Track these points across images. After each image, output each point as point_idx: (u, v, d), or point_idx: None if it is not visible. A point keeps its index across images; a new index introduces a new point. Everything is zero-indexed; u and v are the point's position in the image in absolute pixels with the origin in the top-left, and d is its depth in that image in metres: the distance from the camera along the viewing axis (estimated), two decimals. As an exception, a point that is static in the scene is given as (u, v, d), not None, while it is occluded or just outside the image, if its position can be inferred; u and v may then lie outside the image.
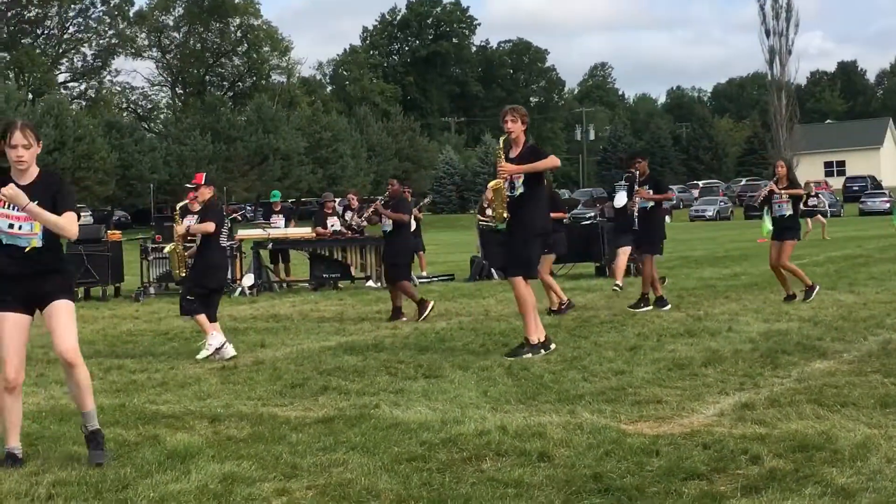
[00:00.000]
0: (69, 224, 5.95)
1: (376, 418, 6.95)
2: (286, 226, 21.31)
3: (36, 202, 5.80)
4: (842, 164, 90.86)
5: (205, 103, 78.58)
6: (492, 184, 10.17)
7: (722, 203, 70.91)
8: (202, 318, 10.64)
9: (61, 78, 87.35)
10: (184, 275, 11.67)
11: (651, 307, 13.48)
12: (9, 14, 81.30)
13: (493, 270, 20.63)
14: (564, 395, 7.63)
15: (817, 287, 14.10)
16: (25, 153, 5.89)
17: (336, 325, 13.19)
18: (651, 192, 13.94)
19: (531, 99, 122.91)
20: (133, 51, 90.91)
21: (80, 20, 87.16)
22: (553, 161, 10.03)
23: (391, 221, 13.91)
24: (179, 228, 11.82)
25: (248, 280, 18.76)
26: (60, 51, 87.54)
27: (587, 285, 17.91)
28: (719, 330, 11.05)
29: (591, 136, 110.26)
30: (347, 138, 77.00)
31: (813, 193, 32.62)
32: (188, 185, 11.73)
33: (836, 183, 79.62)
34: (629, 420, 6.75)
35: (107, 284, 18.82)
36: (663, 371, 8.54)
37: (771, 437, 6.03)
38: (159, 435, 6.59)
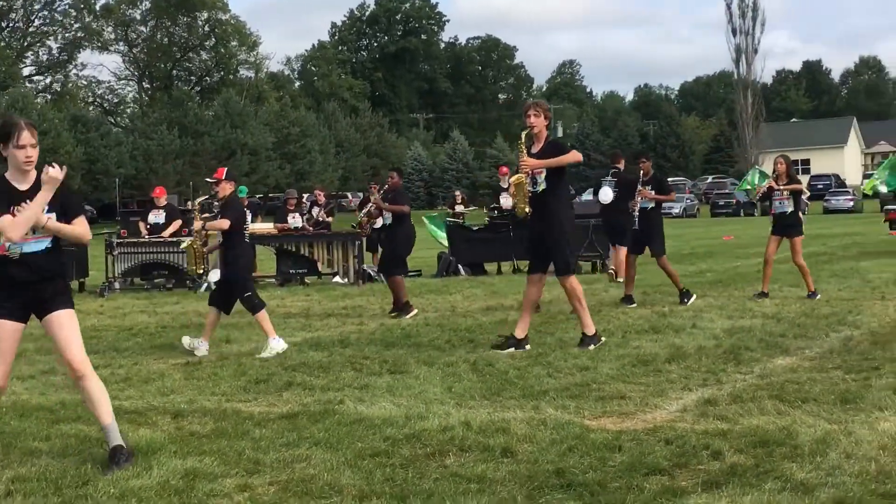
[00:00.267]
0: (85, 231, 5.88)
1: (340, 414, 6.94)
2: (252, 221, 21.21)
3: (45, 210, 5.69)
4: (806, 162, 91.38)
5: (172, 98, 77.90)
6: (513, 178, 10.11)
7: (688, 200, 71.17)
8: (265, 316, 10.38)
9: (26, 71, 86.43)
10: (201, 271, 11.49)
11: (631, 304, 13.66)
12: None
13: (459, 266, 20.65)
14: (529, 391, 7.65)
15: (818, 295, 13.77)
16: (34, 153, 5.75)
17: (302, 321, 13.15)
18: (653, 192, 13.97)
19: (499, 96, 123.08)
20: (99, 44, 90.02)
21: (46, 13, 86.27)
22: (575, 156, 9.93)
23: (391, 214, 13.88)
24: (197, 224, 11.33)
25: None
26: (25, 44, 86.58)
27: (553, 281, 17.93)
28: (683, 326, 11.11)
29: (560, 133, 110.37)
30: (315, 134, 76.72)
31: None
32: (208, 180, 11.36)
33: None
34: (593, 416, 6.78)
35: (71, 279, 18.67)
36: (627, 367, 8.59)
37: (732, 432, 6.07)
38: (121, 431, 6.53)
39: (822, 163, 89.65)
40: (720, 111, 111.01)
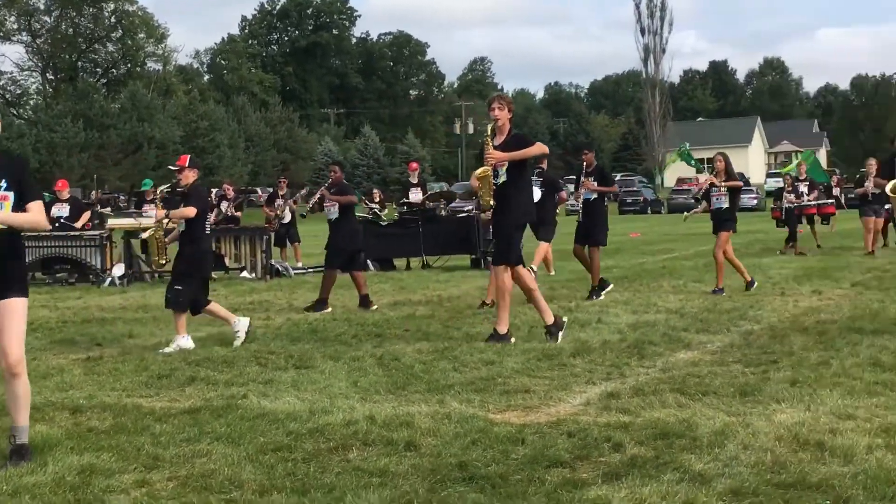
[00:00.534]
0: (41, 219, 5.63)
1: (243, 409, 6.87)
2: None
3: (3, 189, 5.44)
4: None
5: (77, 90, 76.41)
6: (479, 171, 10.11)
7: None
8: (182, 319, 10.17)
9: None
10: (163, 262, 11.22)
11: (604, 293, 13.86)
12: None
13: (368, 262, 20.58)
14: (434, 385, 7.65)
15: (755, 283, 14.44)
16: None
17: (207, 316, 12.95)
18: (596, 183, 14.09)
19: (411, 92, 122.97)
20: (1, 34, 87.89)
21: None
22: (541, 148, 10.01)
23: (337, 208, 13.64)
24: (159, 213, 11.00)
25: (119, 270, 18.35)
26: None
27: (462, 276, 18.03)
28: (589, 321, 11.22)
29: (471, 130, 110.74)
30: (225, 128, 76.00)
31: (835, 184, 30.74)
32: (171, 167, 11.05)
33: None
34: (497, 409, 6.81)
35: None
36: (533, 361, 8.63)
37: (634, 425, 6.14)
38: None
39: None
40: (629, 110, 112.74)
